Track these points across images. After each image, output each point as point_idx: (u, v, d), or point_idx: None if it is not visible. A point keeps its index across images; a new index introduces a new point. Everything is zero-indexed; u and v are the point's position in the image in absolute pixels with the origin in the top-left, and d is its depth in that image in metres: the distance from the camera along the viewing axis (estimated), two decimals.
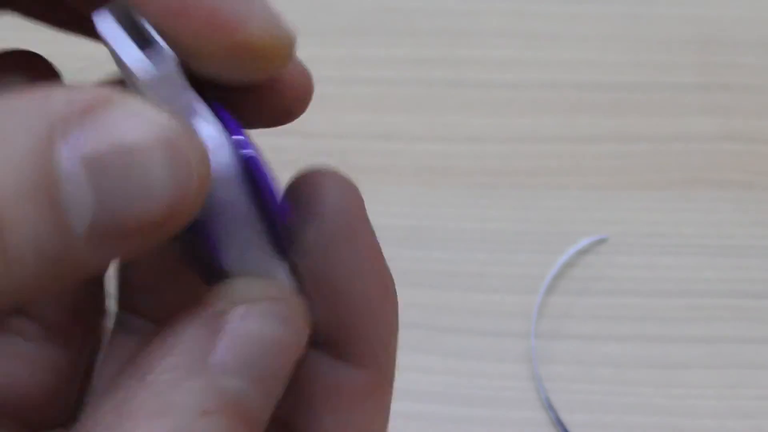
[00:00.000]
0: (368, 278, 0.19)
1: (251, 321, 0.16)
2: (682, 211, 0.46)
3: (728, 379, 0.42)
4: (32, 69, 0.20)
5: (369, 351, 0.20)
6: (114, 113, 0.14)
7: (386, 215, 0.46)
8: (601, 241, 0.45)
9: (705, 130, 0.48)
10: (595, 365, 0.42)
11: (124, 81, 0.17)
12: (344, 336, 0.19)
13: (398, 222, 0.46)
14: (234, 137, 0.18)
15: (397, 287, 0.47)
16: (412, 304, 0.44)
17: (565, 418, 0.41)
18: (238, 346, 0.16)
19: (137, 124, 0.14)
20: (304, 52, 0.60)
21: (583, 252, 0.45)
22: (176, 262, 0.20)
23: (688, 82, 0.50)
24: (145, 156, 0.14)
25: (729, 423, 0.41)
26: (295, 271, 0.19)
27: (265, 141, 0.54)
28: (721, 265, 0.45)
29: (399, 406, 0.42)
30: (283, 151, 0.49)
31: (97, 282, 0.21)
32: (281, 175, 0.55)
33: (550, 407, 0.41)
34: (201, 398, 0.15)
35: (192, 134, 0.15)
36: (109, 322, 0.22)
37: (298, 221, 0.19)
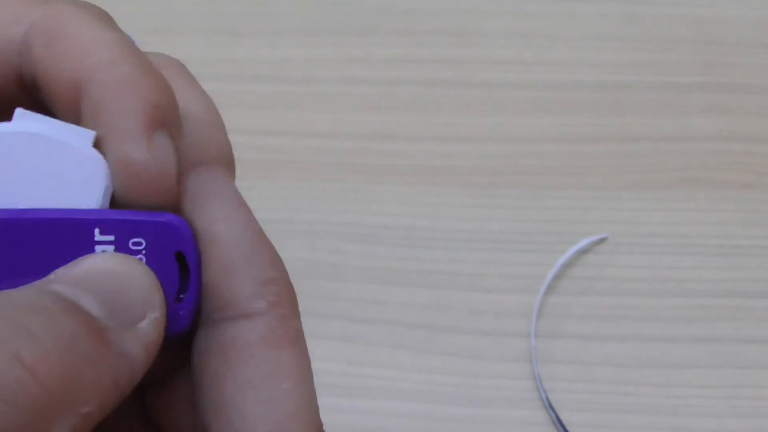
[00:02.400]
0: (225, 224, 0.20)
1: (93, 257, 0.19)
2: (682, 211, 0.46)
3: (728, 379, 0.42)
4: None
5: (244, 298, 0.19)
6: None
7: (386, 215, 0.46)
8: (601, 241, 0.45)
9: (705, 130, 0.48)
10: (595, 365, 0.42)
11: None
12: (221, 292, 0.19)
13: (398, 222, 0.46)
14: None
15: (397, 287, 0.48)
16: (412, 304, 0.44)
17: (565, 418, 0.41)
18: (78, 268, 0.18)
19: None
20: (304, 52, 0.60)
21: (583, 252, 0.45)
22: None
23: (688, 82, 0.50)
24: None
25: (729, 423, 0.41)
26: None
27: (266, 141, 0.55)
28: (721, 265, 0.45)
29: (399, 406, 0.42)
30: (284, 151, 0.49)
31: None
32: (283, 175, 0.55)
33: (550, 407, 0.41)
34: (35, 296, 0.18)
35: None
36: None
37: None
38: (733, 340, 0.43)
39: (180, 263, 0.19)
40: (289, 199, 0.46)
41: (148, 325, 0.18)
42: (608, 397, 0.42)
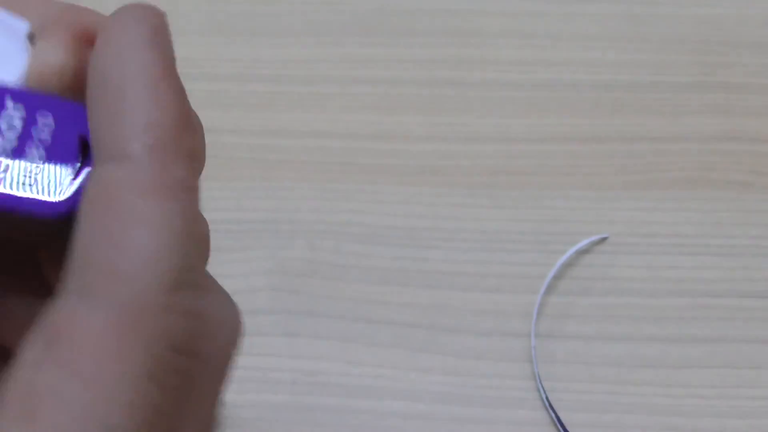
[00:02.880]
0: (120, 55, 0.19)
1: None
2: (682, 211, 0.46)
3: (728, 379, 0.42)
4: None
5: (120, 139, 0.18)
6: None
7: (386, 215, 0.46)
8: (601, 241, 0.45)
9: (705, 130, 0.48)
10: (595, 365, 0.42)
11: None
12: (102, 133, 0.19)
13: (398, 222, 0.46)
14: None
15: (397, 287, 0.48)
16: (412, 304, 0.44)
17: (565, 418, 0.41)
18: None
19: None
20: (304, 52, 0.60)
21: (583, 252, 0.45)
22: None
23: (688, 81, 0.50)
24: None
25: (729, 423, 0.41)
26: None
27: (267, 141, 0.55)
28: (721, 265, 0.45)
29: (399, 406, 0.42)
30: (284, 151, 0.49)
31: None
32: (283, 175, 0.55)
33: (550, 407, 0.41)
34: None
35: None
36: None
37: None
38: (733, 340, 0.43)
39: (83, 148, 0.20)
40: (289, 199, 0.46)
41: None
42: (608, 397, 0.42)
